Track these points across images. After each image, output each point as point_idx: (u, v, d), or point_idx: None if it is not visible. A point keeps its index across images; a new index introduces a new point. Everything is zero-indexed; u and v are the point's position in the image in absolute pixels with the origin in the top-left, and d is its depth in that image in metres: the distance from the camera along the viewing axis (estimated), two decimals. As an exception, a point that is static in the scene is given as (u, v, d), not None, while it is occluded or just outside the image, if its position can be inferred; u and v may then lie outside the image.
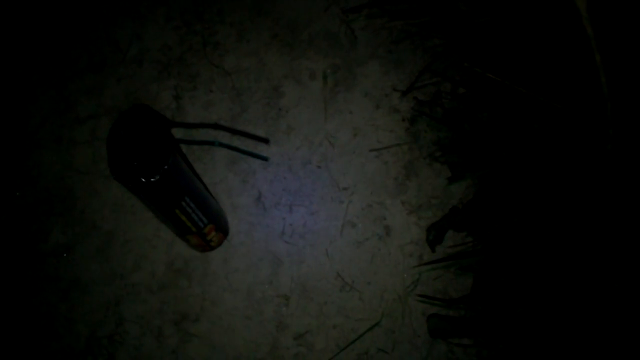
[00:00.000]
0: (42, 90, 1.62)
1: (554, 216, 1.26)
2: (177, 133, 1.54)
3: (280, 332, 1.45)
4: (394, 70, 1.54)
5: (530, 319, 1.28)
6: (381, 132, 1.52)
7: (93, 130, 1.58)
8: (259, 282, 1.48)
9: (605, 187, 1.21)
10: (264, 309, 1.46)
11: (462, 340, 1.41)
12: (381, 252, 1.48)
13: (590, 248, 1.22)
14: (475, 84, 1.42)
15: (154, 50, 1.62)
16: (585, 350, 1.23)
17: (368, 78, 1.55)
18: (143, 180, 1.11)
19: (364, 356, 1.44)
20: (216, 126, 1.51)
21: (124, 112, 1.56)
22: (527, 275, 1.29)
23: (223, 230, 1.45)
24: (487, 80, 1.36)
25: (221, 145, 1.43)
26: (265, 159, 1.46)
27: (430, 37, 1.52)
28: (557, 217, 1.26)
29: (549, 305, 1.26)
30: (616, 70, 1.17)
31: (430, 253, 1.42)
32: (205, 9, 1.61)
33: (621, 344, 1.20)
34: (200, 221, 1.32)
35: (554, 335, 1.26)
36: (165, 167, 1.12)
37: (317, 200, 1.48)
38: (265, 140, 1.51)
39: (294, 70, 1.57)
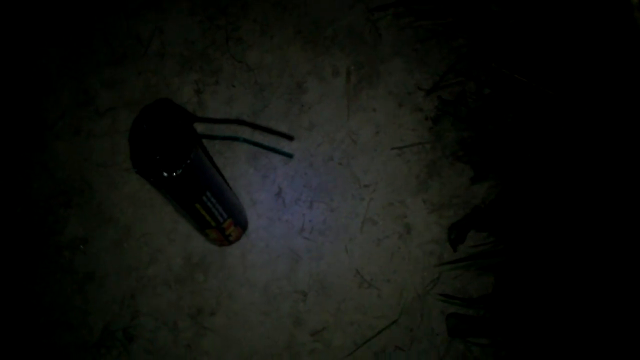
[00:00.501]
0: (62, 82, 1.70)
1: (577, 219, 1.33)
2: (200, 128, 1.62)
3: (297, 328, 1.52)
4: (418, 69, 1.62)
5: (550, 320, 1.35)
6: (404, 131, 1.60)
7: (112, 123, 1.66)
8: (276, 277, 1.55)
9: (633, 194, 1.29)
10: (281, 305, 1.54)
11: (480, 340, 1.48)
12: (401, 250, 1.55)
13: (614, 252, 1.29)
14: (501, 85, 1.49)
15: (176, 44, 1.69)
16: (604, 352, 1.30)
17: (392, 76, 1.63)
18: (165, 174, 1.17)
19: (381, 354, 1.51)
20: (240, 122, 1.60)
21: (147, 106, 1.63)
22: (549, 277, 1.35)
23: (242, 225, 1.52)
24: (514, 81, 1.46)
25: (245, 141, 1.51)
26: (289, 155, 1.55)
27: (456, 37, 1.59)
28: (581, 220, 1.33)
29: (570, 308, 1.32)
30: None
31: (450, 252, 1.49)
32: (229, 4, 1.69)
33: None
34: (220, 216, 1.38)
35: (573, 338, 1.33)
36: (188, 161, 1.18)
37: (338, 197, 1.56)
38: (290, 137, 1.59)
39: (317, 66, 1.64)
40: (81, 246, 1.61)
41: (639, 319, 1.26)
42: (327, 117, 1.61)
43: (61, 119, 1.67)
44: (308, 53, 1.65)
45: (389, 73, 1.63)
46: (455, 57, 1.59)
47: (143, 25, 1.71)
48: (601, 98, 1.31)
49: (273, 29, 1.67)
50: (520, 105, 1.41)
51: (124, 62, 1.69)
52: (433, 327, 1.50)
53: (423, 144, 1.58)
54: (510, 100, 1.44)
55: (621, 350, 1.27)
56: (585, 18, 1.35)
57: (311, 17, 1.67)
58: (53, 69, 1.70)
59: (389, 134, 1.60)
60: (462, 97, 1.54)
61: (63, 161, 1.65)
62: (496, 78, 1.48)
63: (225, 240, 1.50)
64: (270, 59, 1.65)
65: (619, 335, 1.27)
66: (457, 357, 1.50)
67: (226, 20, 1.69)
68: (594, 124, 1.32)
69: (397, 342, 1.52)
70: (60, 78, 1.69)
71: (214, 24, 1.69)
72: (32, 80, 1.69)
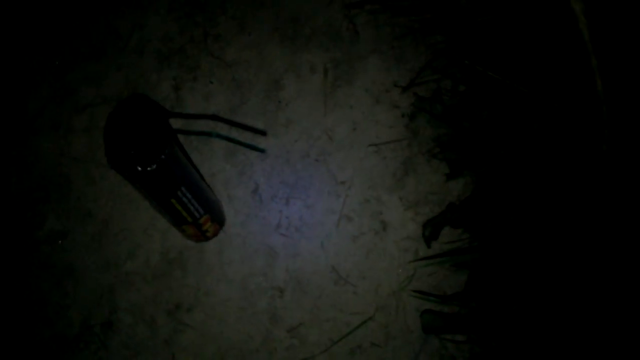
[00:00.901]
0: (41, 77, 1.71)
1: (550, 215, 1.34)
2: (175, 123, 1.64)
3: (273, 325, 1.54)
4: (395, 66, 1.63)
5: (524, 316, 1.36)
6: (380, 128, 1.61)
7: (91, 118, 1.67)
8: (253, 273, 1.56)
9: (601, 186, 1.30)
10: (257, 301, 1.55)
11: (455, 337, 1.49)
12: (377, 247, 1.56)
13: (587, 247, 1.30)
14: (475, 82, 1.49)
15: (155, 41, 1.71)
16: (580, 348, 1.31)
17: (369, 73, 1.64)
18: (139, 169, 1.18)
19: (357, 350, 1.53)
20: (214, 117, 1.60)
21: (122, 101, 1.65)
22: (522, 274, 1.35)
23: (219, 221, 1.53)
24: (487, 78, 1.47)
25: (219, 136, 1.53)
26: (262, 150, 1.55)
27: (432, 33, 1.60)
28: (554, 215, 1.33)
29: (544, 303, 1.33)
30: (612, 72, 1.27)
31: (426, 249, 1.52)
32: (208, 1, 1.70)
33: (617, 343, 1.28)
34: (196, 211, 1.40)
35: (548, 334, 1.34)
36: (162, 156, 1.19)
37: (314, 193, 1.57)
38: (263, 133, 1.60)
39: (295, 63, 1.66)
40: (60, 241, 1.62)
41: (615, 315, 1.27)
42: (304, 114, 1.62)
43: (40, 114, 1.69)
44: (285, 50, 1.66)
45: (365, 70, 1.64)
46: (431, 54, 1.60)
47: (123, 21, 1.72)
48: (569, 94, 1.31)
49: (251, 26, 1.69)
50: (494, 103, 1.40)
51: (104, 58, 1.70)
52: (408, 323, 1.52)
53: (399, 141, 1.59)
54: (484, 97, 1.45)
55: (596, 345, 1.29)
56: (541, 23, 1.35)
57: (289, 13, 1.68)
58: (33, 64, 1.72)
59: (366, 131, 1.61)
60: (437, 95, 1.55)
61: (42, 156, 1.66)
62: (470, 75, 1.49)
63: (202, 236, 1.52)
64: (248, 55, 1.66)
65: (594, 329, 1.29)
66: (432, 354, 1.51)
67: (204, 17, 1.70)
68: (565, 121, 1.34)
69: (372, 339, 1.53)
70: (39, 73, 1.71)
71: (192, 21, 1.70)
72: (11, 75, 1.72)
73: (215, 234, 1.57)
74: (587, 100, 1.28)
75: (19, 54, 1.72)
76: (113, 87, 1.69)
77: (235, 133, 1.62)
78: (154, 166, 1.18)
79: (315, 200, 1.57)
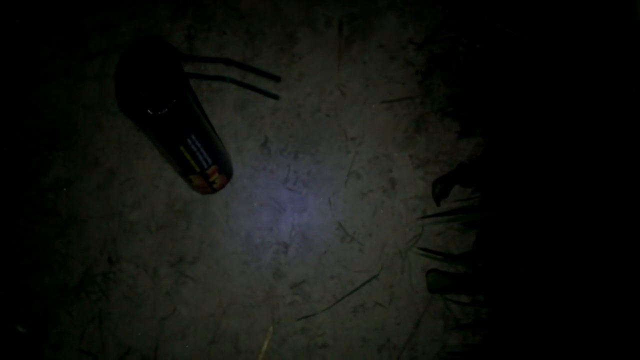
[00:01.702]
0: (54, 24, 1.71)
1: (564, 176, 1.33)
2: (188, 68, 1.63)
3: (277, 280, 1.53)
4: (411, 23, 1.63)
5: (531, 279, 1.35)
6: (394, 84, 1.60)
7: (102, 65, 1.66)
8: (259, 227, 1.56)
9: (630, 134, 1.28)
10: (262, 256, 1.55)
11: (460, 298, 1.48)
12: (385, 205, 1.56)
13: (603, 210, 1.29)
14: (493, 40, 1.48)
15: None
16: (586, 314, 1.30)
17: (384, 29, 1.63)
18: (150, 112, 1.16)
19: (360, 309, 1.52)
20: (228, 61, 1.59)
21: (135, 43, 1.64)
22: (532, 235, 1.34)
23: (227, 173, 1.52)
24: (506, 35, 1.48)
25: (232, 81, 1.52)
26: (275, 97, 1.54)
27: None
28: (570, 174, 1.33)
29: (553, 266, 1.32)
30: None
31: (435, 209, 1.52)
32: None
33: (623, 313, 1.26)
34: (204, 161, 1.38)
35: (555, 297, 1.33)
36: (174, 100, 1.17)
37: (324, 148, 1.55)
38: (277, 78, 1.59)
39: (310, 17, 1.65)
40: (65, 189, 1.62)
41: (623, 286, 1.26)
42: (317, 68, 1.62)
43: (51, 61, 1.68)
44: (301, 3, 1.66)
45: (381, 26, 1.63)
46: (449, 11, 1.60)
47: (138, -30, 1.61)
48: (594, 53, 1.28)
49: (268, -23, 1.57)
50: (511, 61, 1.39)
51: (117, 6, 1.70)
52: (413, 284, 1.51)
53: (412, 99, 1.59)
54: (502, 56, 1.42)
55: (604, 312, 1.27)
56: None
57: (306, -35, 1.56)
58: (46, 10, 1.70)
59: (379, 87, 1.60)
60: (453, 53, 1.54)
61: (51, 103, 1.66)
62: (488, 33, 1.47)
63: (209, 188, 1.51)
64: (263, 7, 1.65)
65: (603, 298, 1.27)
66: (435, 315, 1.50)
67: (221, -33, 1.59)
68: (585, 80, 1.31)
69: (376, 298, 1.52)
70: (51, 20, 1.70)
71: (209, -30, 1.59)
72: (23, 22, 1.71)
73: (222, 186, 1.56)
74: (613, 49, 1.23)
75: (32, 2, 1.71)
76: (126, 36, 1.68)
77: (248, 81, 1.61)
78: (165, 110, 1.17)
79: (325, 156, 1.55)
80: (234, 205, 1.58)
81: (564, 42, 1.34)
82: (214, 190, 1.55)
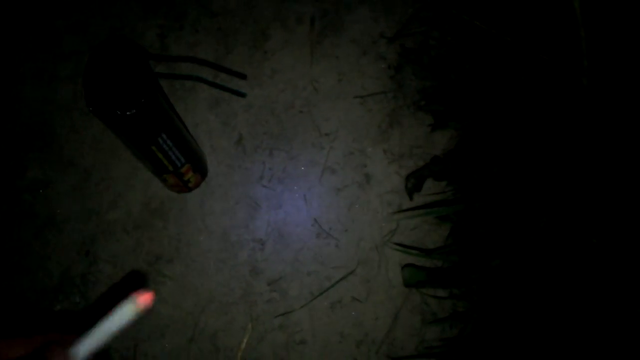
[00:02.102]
0: (27, 25, 1.72)
1: (535, 165, 1.34)
2: (158, 69, 1.64)
3: (254, 277, 1.53)
4: (383, 17, 1.62)
5: (506, 271, 1.35)
6: (366, 79, 1.61)
7: (76, 66, 1.66)
8: (235, 225, 1.56)
9: (584, 124, 1.30)
10: (238, 253, 1.55)
11: (437, 293, 1.48)
12: (360, 200, 1.56)
13: (571, 198, 1.30)
14: (462, 33, 1.48)
15: None
16: (562, 305, 1.30)
17: (356, 24, 1.64)
18: (119, 113, 1.16)
19: (337, 304, 1.53)
20: (193, 59, 1.60)
21: (102, 44, 1.64)
22: (506, 228, 1.35)
23: (201, 171, 1.53)
24: (474, 28, 1.49)
25: (199, 79, 1.54)
26: (242, 94, 1.54)
27: None
28: (538, 165, 1.33)
29: (526, 258, 1.33)
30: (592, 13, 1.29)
31: (410, 204, 1.54)
32: None
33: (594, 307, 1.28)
34: (177, 160, 1.38)
35: (530, 288, 1.34)
36: (142, 100, 1.17)
37: (298, 145, 1.56)
38: (242, 76, 1.59)
39: (282, 13, 1.66)
40: (41, 190, 1.62)
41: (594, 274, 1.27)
42: (290, 65, 1.62)
43: (26, 62, 1.69)
44: (273, 0, 1.63)
45: (353, 21, 1.64)
46: (419, 5, 1.60)
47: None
48: (552, 40, 1.29)
49: (239, -26, 1.57)
50: (481, 54, 1.39)
51: (90, 6, 1.70)
52: (390, 278, 1.51)
53: (385, 93, 1.59)
54: (471, 49, 1.42)
55: (580, 302, 1.29)
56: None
57: (277, -39, 1.57)
58: (19, 11, 1.70)
59: (352, 82, 1.61)
60: (424, 46, 1.54)
61: (25, 104, 1.67)
62: (458, 26, 1.47)
63: (184, 187, 1.51)
64: (234, 4, 1.66)
65: (579, 289, 1.29)
66: (413, 310, 1.51)
67: (192, -36, 1.59)
68: (548, 65, 1.33)
69: (353, 293, 1.53)
70: (25, 21, 1.71)
71: (179, -31, 1.59)
72: None
73: (197, 185, 1.56)
74: (569, 43, 1.24)
75: (3, 2, 1.70)
76: (99, 35, 1.69)
77: (219, 81, 1.62)
78: (134, 110, 1.16)
79: (299, 152, 1.54)
80: (209, 203, 1.58)
81: (525, 35, 1.33)
82: (190, 189, 1.56)
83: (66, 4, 1.70)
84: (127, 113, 1.16)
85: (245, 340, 1.53)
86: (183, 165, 1.42)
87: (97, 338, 0.58)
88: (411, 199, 1.52)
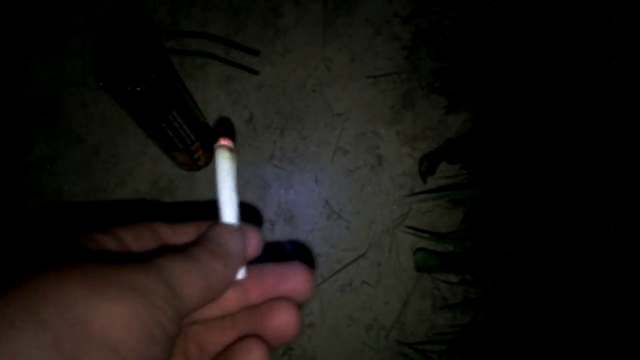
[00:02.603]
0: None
1: (552, 151, 1.32)
2: (170, 44, 1.63)
3: (263, 258, 1.51)
4: None
5: (520, 257, 1.34)
6: (380, 59, 1.59)
7: (84, 41, 1.65)
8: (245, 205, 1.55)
9: (608, 116, 1.27)
10: (248, 234, 1.52)
11: (449, 278, 1.47)
12: (372, 182, 1.55)
13: (589, 184, 1.28)
14: (479, 13, 1.47)
15: None
16: (577, 294, 1.29)
17: (370, 3, 1.62)
18: (129, 89, 1.14)
19: (347, 287, 1.52)
20: (206, 35, 1.58)
21: (112, 19, 1.62)
22: (521, 213, 1.34)
23: (211, 150, 1.50)
24: (491, 8, 1.48)
25: (211, 56, 1.53)
26: (256, 72, 1.55)
27: None
28: (556, 151, 1.31)
29: (542, 244, 1.32)
30: None
31: (422, 186, 1.52)
32: None
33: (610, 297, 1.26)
34: (187, 137, 1.37)
35: (544, 276, 1.33)
36: (153, 76, 1.15)
37: (310, 124, 1.55)
38: (256, 53, 1.57)
39: (295, -10, 1.54)
40: (48, 166, 1.60)
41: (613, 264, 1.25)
42: (302, 43, 1.61)
43: (33, 37, 1.67)
44: (285, -24, 1.53)
45: (367, 0, 1.62)
46: (436, -16, 1.50)
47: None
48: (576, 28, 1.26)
49: (251, -50, 1.55)
50: (498, 35, 1.37)
51: (99, -20, 1.57)
52: (401, 262, 1.51)
53: (399, 74, 1.57)
54: (488, 29, 1.40)
55: (595, 292, 1.28)
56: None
57: (291, -62, 1.54)
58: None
59: (365, 62, 1.59)
60: (440, 27, 1.52)
61: (33, 80, 1.65)
62: (474, 6, 1.44)
63: (194, 165, 1.50)
64: (247, -19, 1.55)
65: (593, 278, 1.28)
66: (424, 294, 1.50)
67: (203, -60, 1.57)
68: (572, 47, 1.31)
69: (364, 277, 1.53)
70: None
71: (190, -57, 1.57)
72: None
73: (207, 164, 1.55)
74: (597, 24, 1.22)
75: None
76: (107, 11, 1.67)
77: (230, 58, 1.61)
78: (144, 86, 1.14)
79: (311, 132, 1.52)
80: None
81: (545, 15, 1.30)
82: (199, 168, 1.55)
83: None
84: (138, 89, 1.15)
85: (253, 322, 1.42)
86: (193, 143, 1.41)
87: (231, 203, 0.58)
88: (424, 182, 1.50)
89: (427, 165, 1.50)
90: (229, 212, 0.59)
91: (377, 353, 1.52)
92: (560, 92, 1.34)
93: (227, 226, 0.56)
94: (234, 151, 0.57)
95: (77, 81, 1.65)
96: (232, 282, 0.54)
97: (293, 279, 0.58)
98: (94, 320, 0.39)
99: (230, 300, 0.58)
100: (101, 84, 1.14)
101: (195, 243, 0.52)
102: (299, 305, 0.57)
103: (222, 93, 1.61)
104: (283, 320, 0.56)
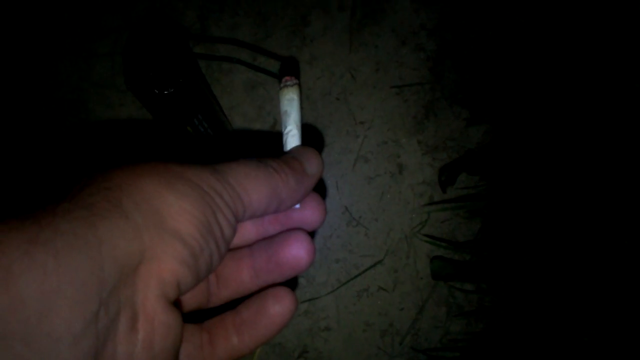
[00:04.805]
0: (67, 0, 1.71)
1: (571, 166, 1.35)
2: (198, 49, 1.64)
3: (282, 262, 1.56)
4: (424, 8, 1.63)
5: (536, 268, 1.36)
6: (404, 69, 1.62)
7: (114, 43, 1.68)
8: (266, 210, 1.58)
9: (629, 132, 1.29)
10: (268, 237, 1.56)
11: (464, 286, 1.51)
12: (392, 190, 1.58)
13: (609, 202, 1.30)
14: (503, 28, 1.51)
15: None
16: (591, 304, 1.32)
17: (397, 13, 1.65)
18: (156, 91, 1.16)
19: (364, 293, 1.55)
20: (233, 41, 1.61)
21: (142, 22, 1.65)
22: (537, 225, 1.37)
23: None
24: (515, 23, 1.52)
25: (239, 62, 1.59)
26: (273, 75, 1.60)
27: None
28: (575, 166, 1.34)
29: (559, 257, 1.34)
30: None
31: (441, 195, 1.58)
32: None
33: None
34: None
35: (559, 287, 1.34)
36: (181, 80, 1.17)
37: (333, 132, 1.59)
38: (283, 60, 1.59)
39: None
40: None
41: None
42: (329, 51, 1.63)
43: (63, 38, 1.70)
44: (314, -15, 1.55)
45: (394, 10, 1.65)
46: (461, -3, 1.52)
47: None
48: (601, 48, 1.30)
49: (282, -42, 1.57)
50: (522, 49, 1.42)
51: (130, -16, 1.60)
52: (418, 269, 1.52)
53: (422, 84, 1.59)
54: (512, 44, 1.44)
55: (608, 303, 1.28)
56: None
57: (321, -51, 1.57)
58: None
59: (389, 72, 1.61)
60: (465, 39, 1.54)
61: (62, 80, 1.67)
62: (499, 20, 1.48)
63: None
64: (275, -12, 1.57)
65: (607, 290, 1.28)
66: (439, 302, 1.52)
67: (235, -53, 1.59)
68: (592, 74, 1.32)
69: (380, 283, 1.55)
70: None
71: (222, -50, 1.59)
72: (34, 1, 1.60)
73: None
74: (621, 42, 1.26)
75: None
76: (138, 14, 1.69)
77: (259, 63, 1.64)
78: (171, 89, 1.16)
79: (333, 139, 1.54)
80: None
81: (572, 35, 1.35)
82: None
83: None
84: (165, 92, 1.16)
85: (269, 325, 1.46)
86: None
87: (299, 132, 0.60)
88: (444, 191, 1.52)
89: (447, 175, 1.51)
90: (298, 140, 0.61)
91: (392, 358, 1.54)
92: (582, 107, 1.36)
93: (312, 149, 0.58)
94: (298, 86, 0.61)
95: (105, 82, 1.68)
96: (296, 202, 0.56)
97: (306, 209, 0.59)
98: (167, 213, 0.43)
99: (249, 231, 0.60)
100: (129, 85, 1.16)
101: (275, 157, 0.54)
102: (311, 234, 0.61)
103: (247, 98, 1.64)
104: (297, 251, 0.57)
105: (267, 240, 0.59)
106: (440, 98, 1.57)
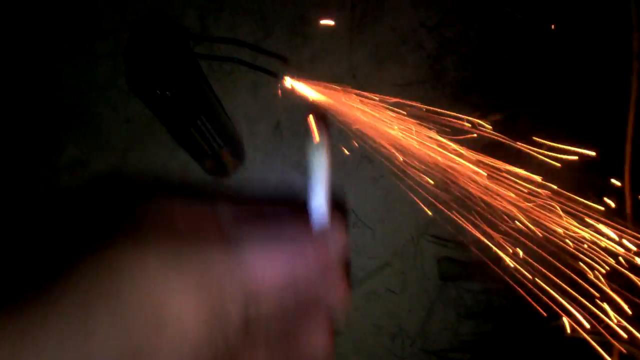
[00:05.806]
0: (67, 2, 1.71)
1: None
2: (199, 49, 1.63)
3: (289, 263, 1.56)
4: (423, 6, 1.60)
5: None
6: (405, 68, 1.59)
7: (115, 44, 1.66)
8: (272, 211, 1.58)
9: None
10: (275, 240, 1.56)
11: (472, 287, 1.51)
12: (397, 191, 1.57)
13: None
14: (503, 24, 1.50)
15: None
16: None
17: (397, 12, 1.61)
18: (158, 92, 1.15)
19: (371, 295, 1.53)
20: (234, 41, 1.60)
21: (143, 22, 1.63)
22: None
23: (239, 156, 1.52)
24: (515, 20, 1.51)
25: (240, 62, 1.56)
26: (275, 75, 1.60)
27: None
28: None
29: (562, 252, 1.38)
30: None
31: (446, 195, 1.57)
32: None
33: None
34: (215, 143, 1.37)
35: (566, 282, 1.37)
36: (182, 81, 1.16)
37: (336, 132, 1.62)
38: (284, 59, 1.59)
39: (323, -2, 1.55)
40: (78, 169, 1.63)
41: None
42: (330, 51, 1.61)
43: (64, 39, 1.69)
44: (314, -17, 1.53)
45: (394, 9, 1.62)
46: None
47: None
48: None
49: (280, -44, 1.54)
50: (521, 45, 1.41)
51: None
52: (425, 271, 1.51)
53: (423, 83, 1.57)
54: (511, 40, 1.43)
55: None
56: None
57: (320, -53, 1.54)
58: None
59: (390, 71, 1.59)
60: (464, 36, 1.52)
61: (63, 82, 1.66)
62: (498, 17, 1.46)
63: (222, 171, 1.51)
64: (276, -13, 1.55)
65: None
66: (447, 303, 1.50)
67: (233, -54, 1.56)
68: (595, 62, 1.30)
69: (388, 285, 1.53)
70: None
71: (220, -52, 1.56)
72: (34, 3, 1.69)
73: (235, 170, 1.56)
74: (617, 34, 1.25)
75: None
76: (138, 14, 1.68)
77: (259, 63, 1.60)
78: (173, 90, 1.15)
79: (337, 140, 1.52)
80: (247, 189, 1.56)
81: (568, 26, 1.33)
82: (227, 174, 1.55)
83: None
84: (167, 93, 1.16)
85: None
86: (221, 149, 1.41)
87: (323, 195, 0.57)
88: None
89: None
90: (323, 206, 0.57)
91: (401, 361, 1.44)
92: (581, 103, 1.35)
93: (339, 230, 0.54)
94: (327, 144, 0.58)
95: (107, 84, 1.67)
96: (316, 285, 0.50)
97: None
98: (170, 307, 0.39)
99: None
100: (131, 86, 1.16)
101: (300, 230, 0.51)
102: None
103: (250, 99, 1.63)
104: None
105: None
106: (442, 96, 1.56)
